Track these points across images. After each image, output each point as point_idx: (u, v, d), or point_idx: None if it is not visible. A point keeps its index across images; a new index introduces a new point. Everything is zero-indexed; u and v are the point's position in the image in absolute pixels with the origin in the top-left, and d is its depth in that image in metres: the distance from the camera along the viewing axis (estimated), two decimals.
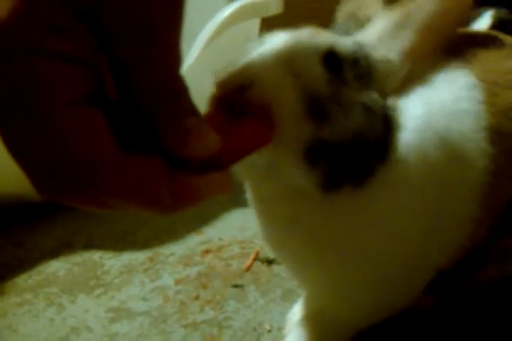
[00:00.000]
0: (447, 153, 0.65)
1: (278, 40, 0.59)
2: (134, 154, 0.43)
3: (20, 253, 1.12)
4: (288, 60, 0.56)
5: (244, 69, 0.55)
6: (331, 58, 0.59)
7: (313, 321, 0.82)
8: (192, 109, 0.45)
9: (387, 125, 0.61)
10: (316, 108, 0.56)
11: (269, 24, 1.30)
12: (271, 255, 1.06)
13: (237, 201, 1.21)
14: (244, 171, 0.61)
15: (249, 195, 0.70)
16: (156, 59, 0.42)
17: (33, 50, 0.39)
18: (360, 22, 0.69)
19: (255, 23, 1.27)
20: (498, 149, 0.66)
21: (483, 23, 1.12)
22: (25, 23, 0.39)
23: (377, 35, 0.64)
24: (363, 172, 0.60)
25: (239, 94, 0.53)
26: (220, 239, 1.13)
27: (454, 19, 0.65)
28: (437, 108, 0.66)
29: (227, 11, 1.17)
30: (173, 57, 0.43)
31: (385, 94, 0.62)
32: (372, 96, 0.60)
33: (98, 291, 1.01)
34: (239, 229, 1.16)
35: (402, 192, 0.64)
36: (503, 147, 0.67)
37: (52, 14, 0.39)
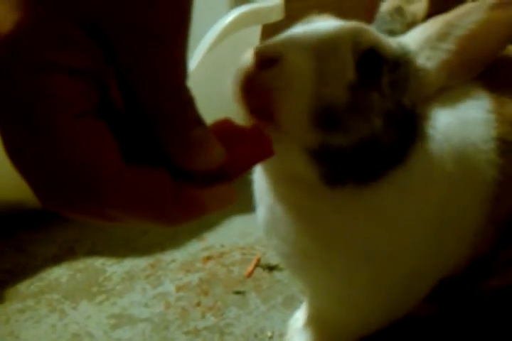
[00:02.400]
0: (461, 167, 0.65)
1: (322, 28, 0.58)
2: (138, 166, 0.43)
3: (23, 259, 1.13)
4: (322, 58, 0.55)
5: (273, 45, 0.55)
6: (372, 58, 0.57)
7: (315, 326, 0.81)
8: (198, 120, 0.44)
9: (410, 133, 0.61)
10: (328, 116, 0.55)
11: (270, 31, 1.30)
12: (272, 261, 1.06)
13: (239, 207, 1.21)
14: None
15: (260, 174, 0.69)
16: (161, 71, 0.41)
17: (39, 63, 0.39)
18: (405, 17, 0.68)
19: (257, 30, 1.28)
20: (506, 160, 0.66)
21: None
22: (31, 36, 0.39)
23: (418, 41, 0.63)
24: (368, 174, 0.60)
25: (258, 71, 0.53)
26: (222, 246, 1.14)
27: (501, 33, 0.63)
28: (454, 119, 0.66)
29: (229, 17, 1.17)
30: (179, 68, 0.43)
31: (417, 103, 0.61)
32: (400, 104, 0.59)
33: (100, 298, 1.01)
34: (240, 235, 1.17)
35: (410, 198, 0.63)
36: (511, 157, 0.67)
37: (59, 27, 0.39)
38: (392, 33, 0.68)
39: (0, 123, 0.41)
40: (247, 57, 0.54)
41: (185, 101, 0.44)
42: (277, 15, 1.25)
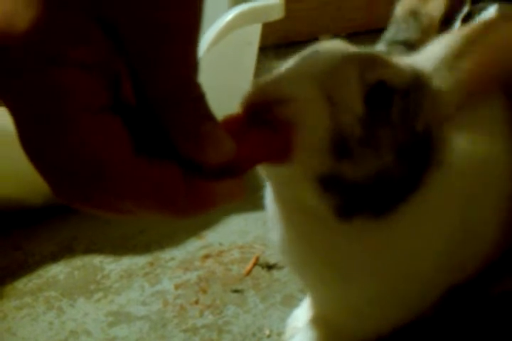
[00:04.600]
0: (477, 185, 0.64)
1: (328, 58, 0.57)
2: (150, 159, 0.44)
3: (21, 257, 1.12)
4: (330, 90, 0.54)
5: (282, 84, 0.54)
6: (381, 91, 0.56)
7: (319, 326, 0.81)
8: (209, 115, 0.45)
9: (424, 161, 0.59)
10: (341, 147, 0.54)
11: (270, 29, 1.30)
12: (271, 260, 1.06)
13: (238, 206, 1.21)
14: (267, 176, 0.61)
15: (271, 196, 0.69)
16: (174, 65, 0.42)
17: (53, 59, 0.39)
18: (421, 21, 0.67)
19: (256, 28, 1.28)
20: None
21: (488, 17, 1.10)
22: (46, 31, 0.39)
23: (434, 61, 0.60)
24: (381, 205, 0.59)
25: (269, 108, 0.52)
26: (220, 244, 1.13)
27: None
28: (470, 142, 0.63)
29: (229, 16, 1.17)
30: (190, 62, 0.43)
31: (432, 126, 0.59)
32: (413, 132, 0.58)
33: (98, 295, 1.01)
34: (239, 233, 1.16)
35: (428, 225, 0.63)
36: None
37: (73, 22, 0.40)
38: (408, 43, 0.66)
39: (15, 116, 0.42)
40: (252, 93, 0.54)
41: (196, 95, 0.44)
42: (277, 14, 1.24)
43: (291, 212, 0.64)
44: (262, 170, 0.58)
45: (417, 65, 0.61)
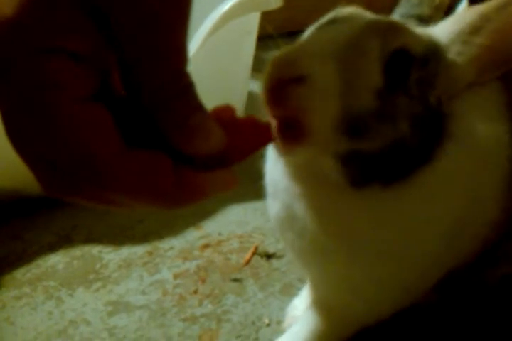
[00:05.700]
0: (480, 163, 0.64)
1: (348, 30, 0.57)
2: (139, 150, 0.43)
3: (19, 246, 1.12)
4: (348, 64, 0.54)
5: (299, 59, 0.53)
6: (401, 58, 0.56)
7: (319, 313, 0.81)
8: (198, 106, 0.45)
9: (436, 134, 0.60)
10: (357, 125, 0.54)
11: (268, 18, 1.30)
12: (270, 249, 1.06)
13: (237, 196, 1.21)
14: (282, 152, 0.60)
15: (276, 171, 0.69)
16: (164, 56, 0.41)
17: (40, 48, 0.39)
18: None
19: (255, 17, 1.27)
20: None
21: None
22: (31, 20, 0.39)
23: (449, 35, 0.61)
24: (393, 175, 0.60)
25: (286, 83, 0.52)
26: (219, 234, 1.13)
27: None
28: (476, 114, 0.64)
29: (227, 5, 1.16)
30: (179, 53, 0.43)
31: (443, 100, 0.60)
32: (427, 103, 0.58)
33: (97, 285, 1.01)
34: (238, 223, 1.16)
35: (434, 198, 0.63)
36: None
37: (60, 11, 0.39)
38: (420, 18, 0.66)
39: (2, 106, 0.41)
40: (271, 67, 0.53)
41: (185, 86, 0.44)
42: (276, 3, 1.24)
43: (303, 181, 0.64)
44: (275, 145, 0.58)
45: (434, 36, 0.61)
